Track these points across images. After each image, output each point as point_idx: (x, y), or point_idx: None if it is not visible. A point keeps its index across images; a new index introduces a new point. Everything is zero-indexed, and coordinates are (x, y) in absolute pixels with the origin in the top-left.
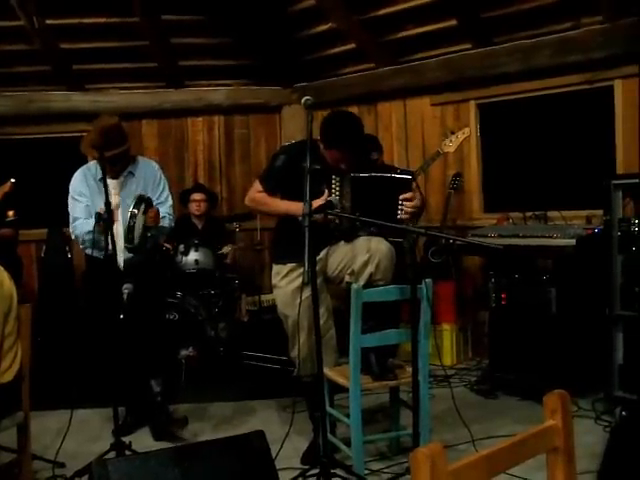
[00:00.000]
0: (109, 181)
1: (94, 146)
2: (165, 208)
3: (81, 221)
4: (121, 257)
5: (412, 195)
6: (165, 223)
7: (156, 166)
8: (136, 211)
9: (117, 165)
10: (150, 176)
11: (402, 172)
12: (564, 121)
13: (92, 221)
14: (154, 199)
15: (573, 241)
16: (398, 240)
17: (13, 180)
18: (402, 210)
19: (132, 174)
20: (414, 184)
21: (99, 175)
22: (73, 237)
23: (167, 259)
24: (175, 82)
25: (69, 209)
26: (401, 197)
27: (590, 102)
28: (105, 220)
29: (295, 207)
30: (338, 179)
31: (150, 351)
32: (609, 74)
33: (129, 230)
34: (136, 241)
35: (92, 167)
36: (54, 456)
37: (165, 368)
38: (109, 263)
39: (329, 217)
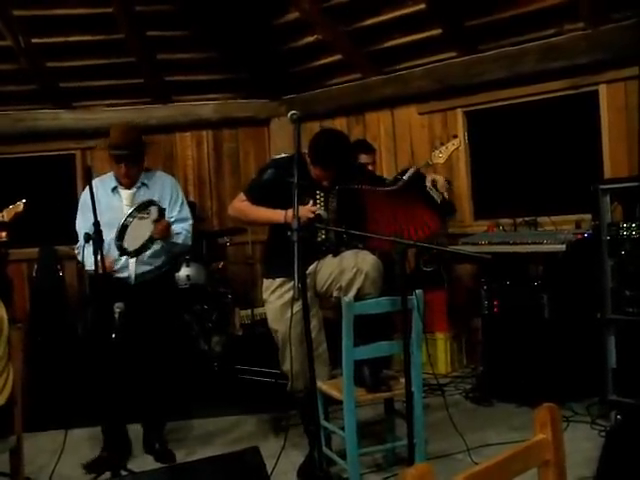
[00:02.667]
0: (122, 192)
1: (110, 144)
2: (185, 225)
3: (85, 246)
4: (132, 269)
5: (434, 176)
6: (179, 239)
7: (173, 180)
8: (136, 213)
9: (130, 163)
10: (166, 191)
11: (402, 173)
12: (551, 127)
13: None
14: (173, 216)
15: (563, 246)
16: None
17: (24, 200)
18: (435, 193)
19: (146, 186)
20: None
21: (112, 185)
22: (79, 259)
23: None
24: (162, 97)
25: (76, 225)
26: (427, 183)
27: (576, 107)
28: (94, 240)
29: (277, 215)
30: (322, 194)
31: (153, 373)
32: (594, 79)
33: (121, 229)
34: (127, 246)
35: (106, 179)
36: (48, 478)
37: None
38: (101, 283)
39: (316, 231)
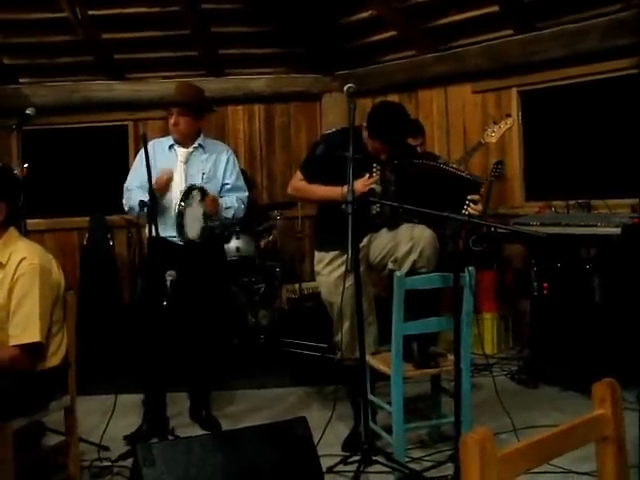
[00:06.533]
0: (178, 149)
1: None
2: (240, 195)
3: (135, 192)
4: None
5: (479, 198)
6: (229, 214)
7: (230, 149)
8: (183, 204)
9: (179, 112)
10: (223, 156)
11: (470, 175)
12: (610, 107)
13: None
14: (229, 183)
15: (618, 230)
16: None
17: (26, 165)
18: (467, 210)
19: (202, 148)
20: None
21: (169, 143)
22: (126, 209)
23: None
24: (215, 71)
25: (126, 182)
26: (469, 197)
27: (637, 87)
28: (149, 207)
29: (334, 192)
30: (379, 167)
31: (200, 342)
32: None
33: (179, 226)
34: (190, 235)
35: (163, 139)
36: (99, 439)
37: (213, 358)
38: (154, 250)
39: (370, 204)
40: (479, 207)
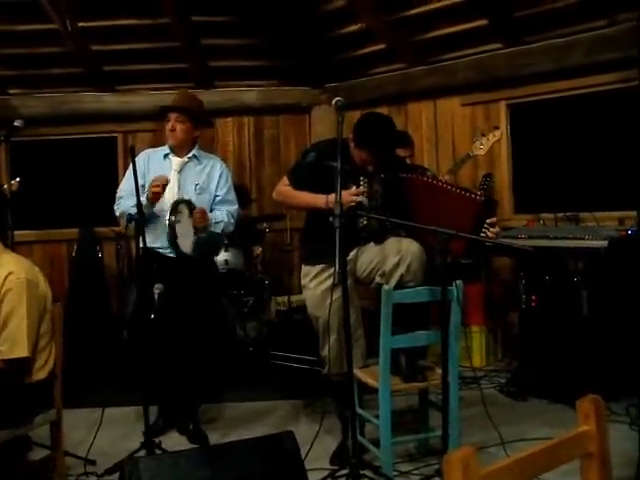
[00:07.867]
0: (173, 158)
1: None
2: (230, 208)
3: (126, 198)
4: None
5: (496, 220)
6: (219, 229)
7: (225, 165)
8: (173, 218)
9: (178, 117)
10: (216, 169)
11: (471, 192)
12: (597, 121)
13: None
14: (219, 195)
15: (605, 243)
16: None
17: (18, 179)
18: (485, 234)
19: (197, 159)
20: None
21: (165, 152)
22: (117, 214)
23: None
24: (205, 83)
25: (118, 189)
26: (488, 220)
27: (625, 101)
28: (136, 220)
29: (318, 200)
30: (366, 179)
31: (191, 353)
32: None
33: (172, 241)
34: (184, 249)
35: (159, 149)
36: (85, 453)
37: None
38: (142, 263)
39: (357, 218)
40: (497, 229)
